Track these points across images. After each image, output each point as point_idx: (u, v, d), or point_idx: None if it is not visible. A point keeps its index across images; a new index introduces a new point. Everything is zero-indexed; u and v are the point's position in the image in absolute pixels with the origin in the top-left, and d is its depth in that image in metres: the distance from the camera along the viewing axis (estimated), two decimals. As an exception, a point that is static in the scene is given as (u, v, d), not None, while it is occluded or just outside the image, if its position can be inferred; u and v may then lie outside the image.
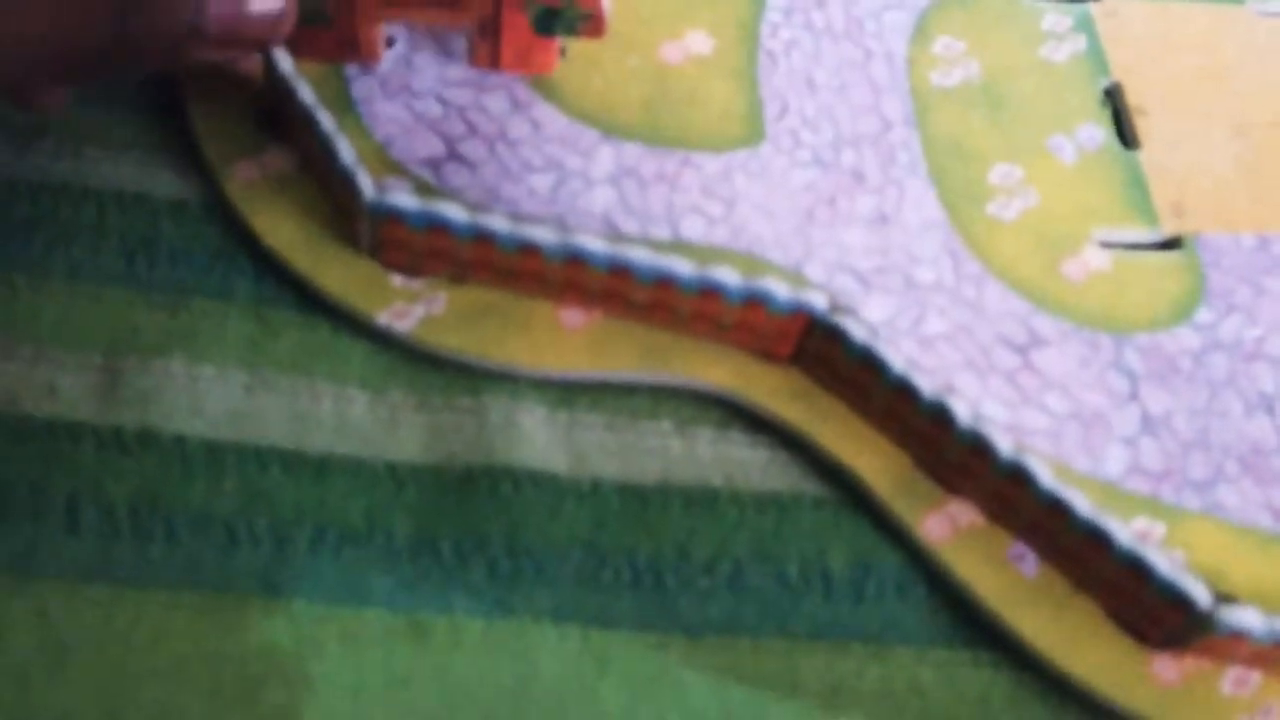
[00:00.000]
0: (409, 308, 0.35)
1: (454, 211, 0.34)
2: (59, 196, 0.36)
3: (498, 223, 0.34)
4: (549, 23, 0.38)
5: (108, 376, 0.34)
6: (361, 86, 0.38)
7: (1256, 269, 0.40)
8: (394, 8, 0.37)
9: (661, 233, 0.37)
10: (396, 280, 0.36)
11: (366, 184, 0.34)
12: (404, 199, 0.34)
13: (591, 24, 0.37)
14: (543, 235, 0.34)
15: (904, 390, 0.33)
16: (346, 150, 0.34)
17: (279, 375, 0.34)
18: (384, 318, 0.35)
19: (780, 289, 0.34)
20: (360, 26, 0.37)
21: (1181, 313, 0.39)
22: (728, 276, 0.34)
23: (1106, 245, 0.40)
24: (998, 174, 0.40)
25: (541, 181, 0.38)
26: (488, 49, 0.39)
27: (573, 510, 0.34)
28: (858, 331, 0.33)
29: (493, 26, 0.38)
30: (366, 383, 0.35)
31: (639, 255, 0.34)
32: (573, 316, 0.36)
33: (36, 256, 0.35)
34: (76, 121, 0.38)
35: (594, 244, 0.34)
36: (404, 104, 0.38)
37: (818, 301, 0.34)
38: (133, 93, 0.39)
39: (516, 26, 0.38)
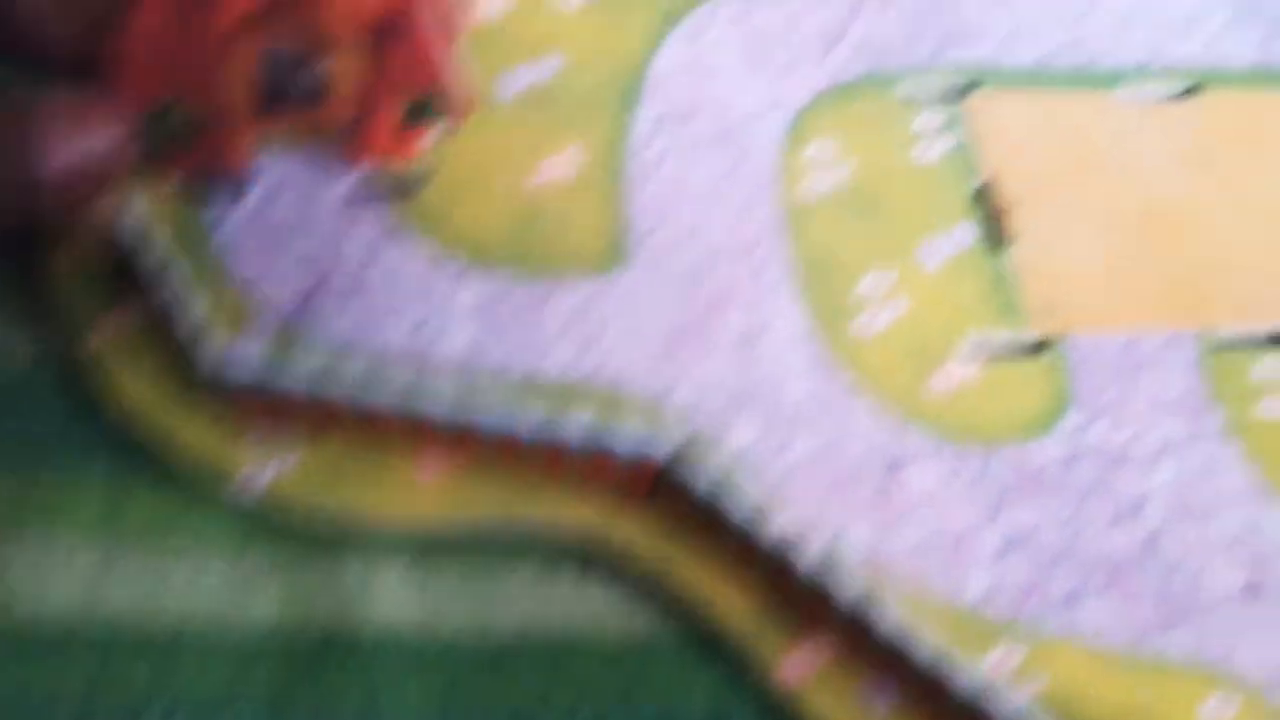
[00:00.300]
0: (262, 468, 0.35)
1: (296, 369, 0.34)
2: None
3: (344, 379, 0.34)
4: (417, 114, 0.38)
5: (-52, 568, 0.34)
6: (220, 222, 0.38)
7: (1125, 367, 0.40)
8: (266, 118, 0.37)
9: (524, 367, 0.37)
10: (251, 440, 0.36)
11: (212, 347, 0.34)
12: (245, 360, 0.34)
13: (457, 105, 0.38)
14: (389, 390, 0.34)
15: (750, 533, 0.33)
16: (196, 310, 0.34)
17: (132, 548, 0.34)
18: (238, 481, 0.35)
19: (623, 439, 0.34)
20: (229, 139, 0.38)
21: (1049, 419, 0.39)
22: (571, 425, 0.34)
23: (976, 352, 0.40)
24: (868, 283, 0.41)
25: (406, 317, 0.38)
26: (357, 144, 0.39)
27: (426, 672, 0.34)
28: (703, 477, 0.34)
29: (363, 123, 0.38)
30: (223, 550, 0.35)
31: (483, 408, 0.34)
32: (429, 467, 0.36)
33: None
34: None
35: (439, 398, 0.34)
36: (264, 238, 0.38)
37: (662, 448, 0.34)
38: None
39: (388, 121, 0.38)
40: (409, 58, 0.36)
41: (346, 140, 0.39)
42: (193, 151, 0.37)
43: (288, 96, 0.37)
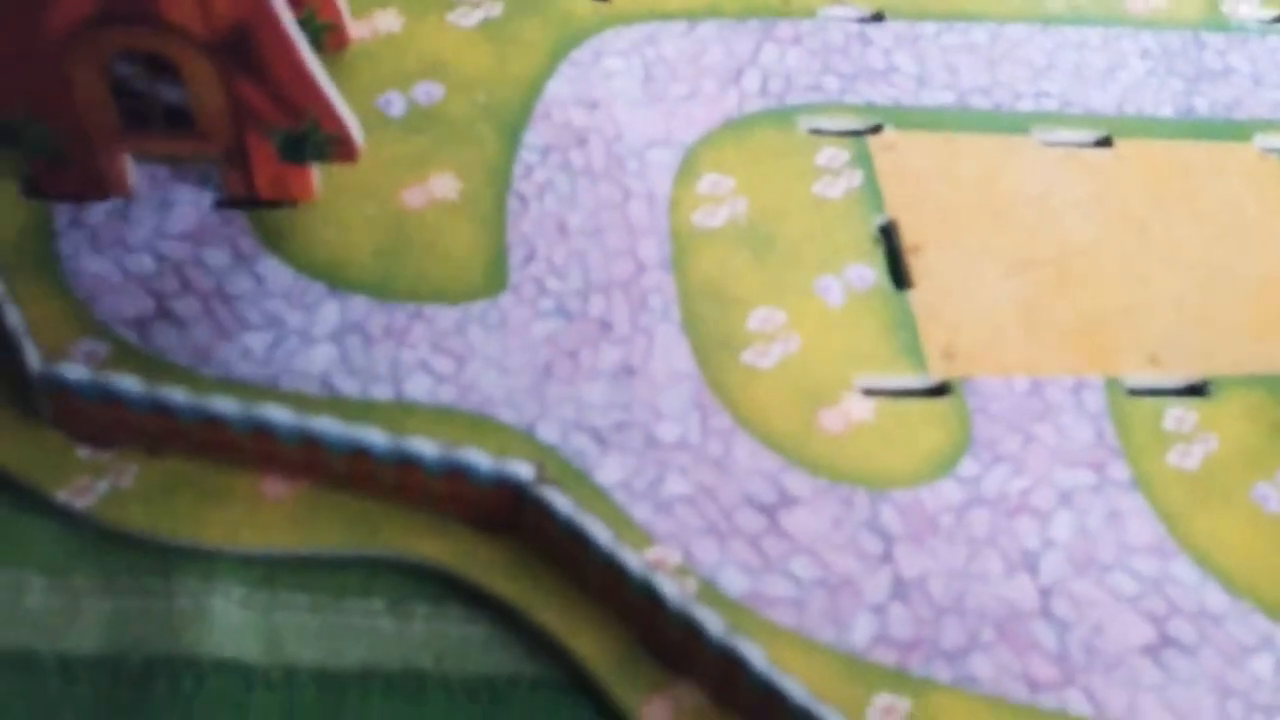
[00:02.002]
0: (93, 482, 0.33)
1: (128, 384, 0.31)
2: None
3: (175, 394, 0.31)
4: (296, 149, 0.36)
5: None
6: (69, 242, 0.36)
7: (1027, 415, 0.38)
8: (134, 140, 0.35)
9: (384, 392, 0.35)
10: (83, 453, 0.33)
11: (33, 354, 0.31)
12: (73, 370, 0.31)
13: (342, 148, 0.36)
14: (224, 406, 0.31)
15: (613, 567, 0.31)
16: (15, 315, 0.32)
17: (-55, 559, 0.32)
18: (65, 494, 0.33)
19: (481, 460, 0.32)
20: (101, 159, 0.35)
21: (945, 465, 0.37)
22: (424, 448, 0.32)
23: (870, 393, 0.38)
24: (758, 319, 0.39)
25: (258, 340, 0.35)
26: (239, 178, 0.37)
27: (263, 702, 0.31)
28: (563, 506, 0.31)
29: (239, 154, 0.36)
30: (46, 567, 0.32)
31: (328, 426, 0.31)
32: (275, 487, 0.33)
33: None
34: None
35: (279, 414, 0.32)
36: (114, 259, 0.36)
37: (522, 473, 0.32)
38: None
39: (265, 154, 0.36)
40: (277, 83, 0.34)
41: (224, 176, 0.37)
42: (67, 172, 0.36)
43: (149, 118, 0.35)
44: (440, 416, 0.35)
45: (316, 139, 0.35)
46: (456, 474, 0.32)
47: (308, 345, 0.36)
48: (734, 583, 0.33)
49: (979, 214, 0.42)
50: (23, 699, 0.30)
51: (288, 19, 0.33)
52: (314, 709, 0.31)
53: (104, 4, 0.31)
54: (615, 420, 0.36)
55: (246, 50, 0.33)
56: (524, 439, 0.35)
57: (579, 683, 0.32)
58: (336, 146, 0.36)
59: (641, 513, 0.34)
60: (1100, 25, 0.47)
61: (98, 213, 0.37)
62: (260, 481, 0.33)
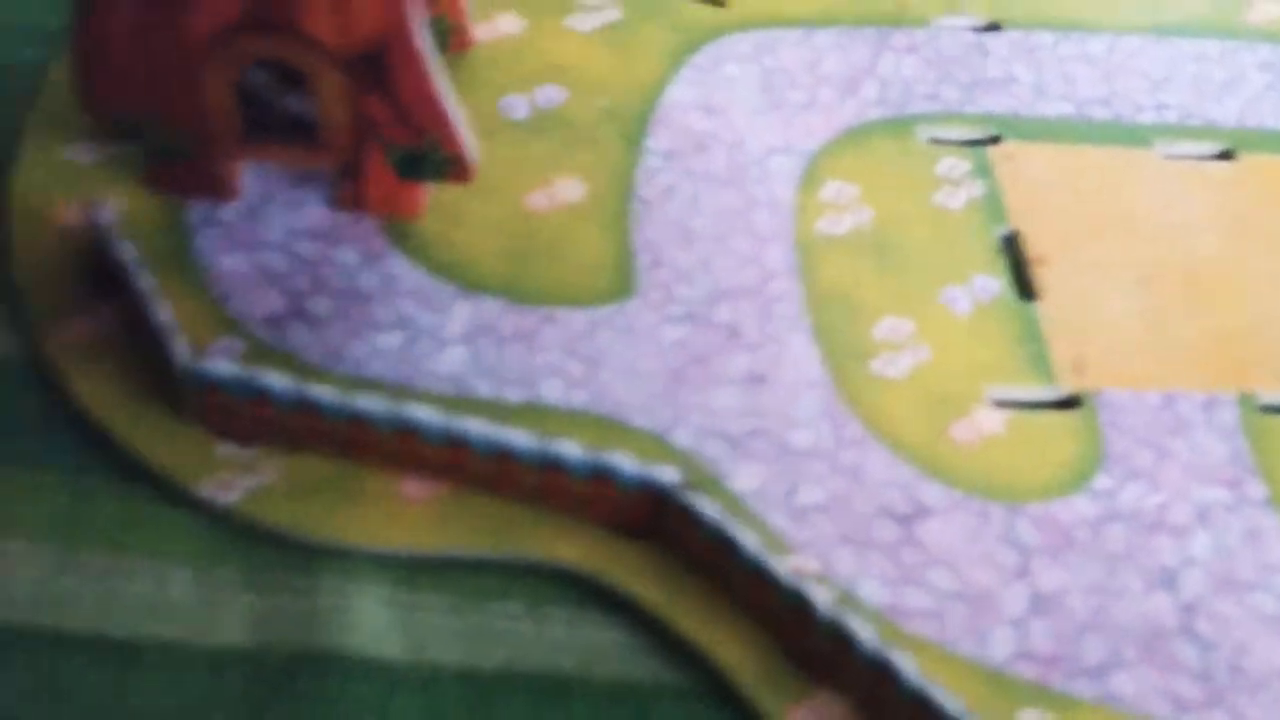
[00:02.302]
0: (235, 478, 0.33)
1: (275, 380, 0.31)
2: None
3: (323, 392, 0.31)
4: (413, 167, 0.36)
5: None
6: (205, 238, 0.36)
7: (1160, 429, 0.37)
8: (254, 147, 0.35)
9: (517, 395, 0.35)
10: (224, 449, 0.33)
11: (182, 349, 0.31)
12: (221, 366, 0.31)
13: (457, 169, 0.36)
14: (371, 405, 0.31)
15: (760, 574, 0.31)
16: (165, 312, 0.32)
17: (93, 551, 0.32)
18: (207, 489, 0.32)
19: (627, 464, 0.31)
20: (219, 164, 0.35)
21: (1078, 479, 0.36)
22: (571, 450, 0.31)
23: (1001, 404, 0.37)
24: (885, 328, 0.38)
25: (390, 340, 0.35)
26: (352, 191, 0.37)
27: (406, 703, 0.31)
28: (710, 512, 0.31)
29: (356, 169, 0.36)
30: (189, 560, 0.32)
31: (474, 427, 0.31)
32: (415, 488, 0.33)
33: None
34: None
35: (426, 414, 0.31)
36: (248, 257, 0.36)
37: (668, 477, 0.31)
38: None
39: (381, 169, 0.36)
40: (403, 102, 0.34)
41: (340, 187, 0.37)
42: (182, 172, 0.36)
43: (272, 127, 0.35)
44: (574, 420, 0.35)
45: (435, 159, 0.35)
46: (601, 477, 0.31)
47: (440, 346, 0.35)
48: (873, 593, 0.33)
49: (1102, 226, 0.42)
50: (172, 692, 0.30)
51: (421, 40, 0.33)
52: (457, 710, 0.31)
53: (247, 12, 0.31)
54: (748, 427, 0.35)
55: (378, 67, 0.33)
56: (658, 444, 0.35)
57: (721, 691, 0.32)
58: (453, 167, 0.36)
59: (778, 520, 0.34)
60: (1218, 37, 0.47)
61: (231, 211, 0.37)
62: (399, 481, 0.33)
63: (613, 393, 0.35)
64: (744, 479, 0.34)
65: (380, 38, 0.32)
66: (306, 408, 0.32)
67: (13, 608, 0.31)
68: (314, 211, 0.37)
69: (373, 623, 0.32)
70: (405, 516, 0.33)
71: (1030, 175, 0.42)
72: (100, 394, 0.34)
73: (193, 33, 0.31)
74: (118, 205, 0.34)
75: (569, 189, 0.39)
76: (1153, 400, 0.38)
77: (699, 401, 0.36)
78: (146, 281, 0.32)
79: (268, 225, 0.37)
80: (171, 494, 0.33)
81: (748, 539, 0.31)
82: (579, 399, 0.35)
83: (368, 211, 0.37)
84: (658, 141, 0.41)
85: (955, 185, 0.42)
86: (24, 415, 0.34)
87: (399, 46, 0.32)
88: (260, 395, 0.31)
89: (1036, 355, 0.38)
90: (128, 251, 0.32)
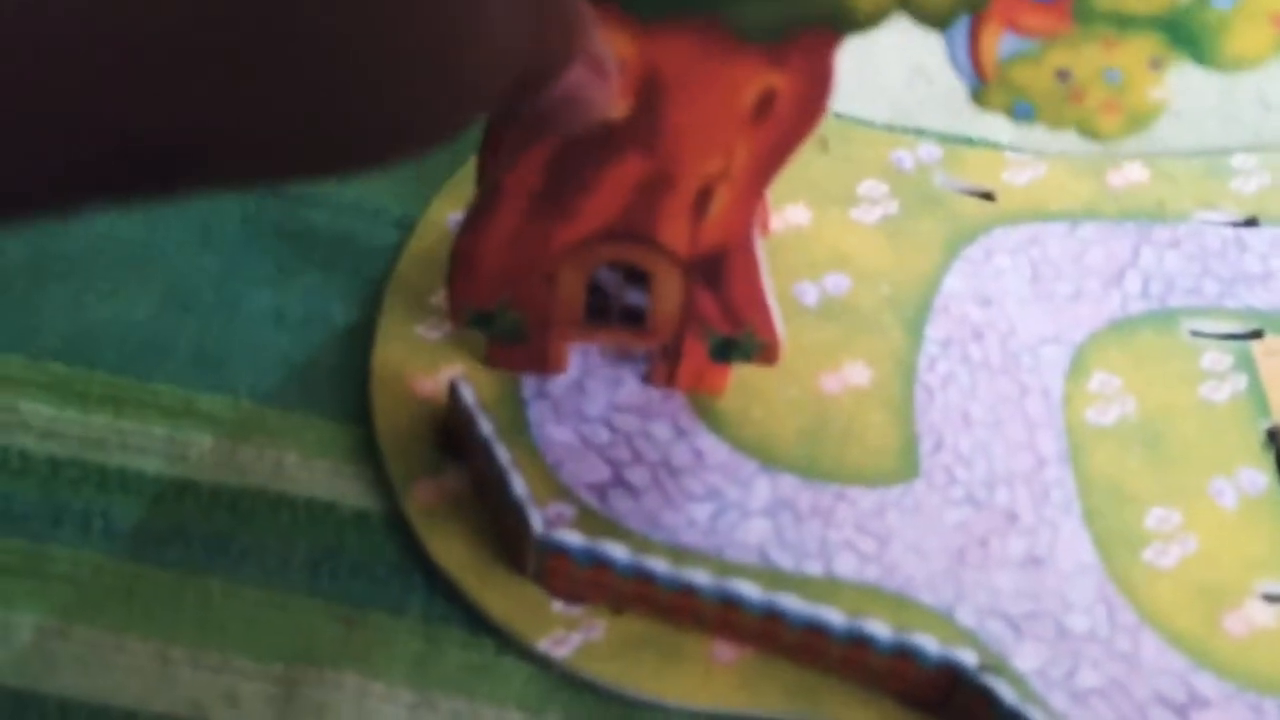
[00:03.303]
0: (568, 635, 0.37)
1: (617, 551, 0.35)
2: (257, 501, 0.39)
3: (657, 564, 0.35)
4: (726, 351, 0.40)
5: (285, 688, 0.36)
6: (537, 410, 0.41)
7: None
8: (587, 331, 0.40)
9: (815, 568, 0.38)
10: (558, 606, 0.37)
11: (536, 519, 0.36)
12: (570, 537, 0.35)
13: (767, 352, 0.39)
14: (700, 578, 0.35)
15: (1055, 758, 0.33)
16: (519, 484, 0.36)
17: (443, 695, 0.36)
18: (544, 643, 0.37)
19: (930, 645, 0.34)
20: (552, 344, 0.40)
21: (1351, 677, 0.38)
22: (879, 630, 0.34)
23: (1271, 599, 0.39)
24: (1155, 518, 0.40)
25: (701, 511, 0.39)
26: (666, 370, 0.41)
27: None
28: (1007, 694, 0.34)
29: (674, 351, 0.40)
30: (524, 706, 0.36)
31: (791, 603, 0.35)
32: (725, 652, 0.37)
33: (232, 562, 0.38)
34: (279, 420, 0.41)
35: (749, 589, 0.35)
36: (574, 428, 0.41)
37: (967, 659, 0.34)
38: (329, 397, 0.42)
39: (695, 351, 0.40)
40: (732, 299, 0.38)
41: (653, 364, 0.41)
42: (517, 351, 0.40)
43: (610, 315, 0.40)
44: (866, 594, 0.38)
45: (747, 344, 0.39)
46: (904, 656, 0.34)
47: (745, 518, 0.39)
48: (1152, 779, 0.35)
49: (1367, 424, 0.43)
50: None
51: (756, 244, 0.37)
52: None
53: (612, 226, 0.36)
54: (1026, 609, 0.38)
55: (716, 268, 0.37)
56: (943, 622, 0.37)
57: None
58: (762, 350, 0.39)
59: (1058, 701, 0.36)
60: None
61: (558, 385, 0.42)
62: (711, 644, 0.37)
63: (902, 570, 0.39)
64: (1025, 659, 0.37)
65: (725, 245, 0.36)
66: (641, 576, 0.36)
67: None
68: (631, 388, 0.42)
69: (685, 774, 0.35)
70: (715, 677, 0.37)
71: (1292, 371, 0.44)
72: (451, 551, 0.38)
73: (562, 241, 0.36)
74: (475, 383, 0.39)
75: (856, 373, 0.43)
76: None
77: (981, 581, 0.38)
78: (503, 454, 0.37)
79: (591, 399, 0.41)
80: (511, 646, 0.37)
81: (1043, 724, 0.33)
82: (871, 574, 0.38)
83: (679, 388, 0.41)
84: (936, 330, 0.44)
85: (1220, 379, 0.44)
86: (385, 566, 0.38)
87: (739, 253, 0.36)
88: (602, 564, 0.36)
89: (1304, 551, 0.40)
90: (487, 426, 0.37)
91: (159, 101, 0.18)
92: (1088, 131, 0.30)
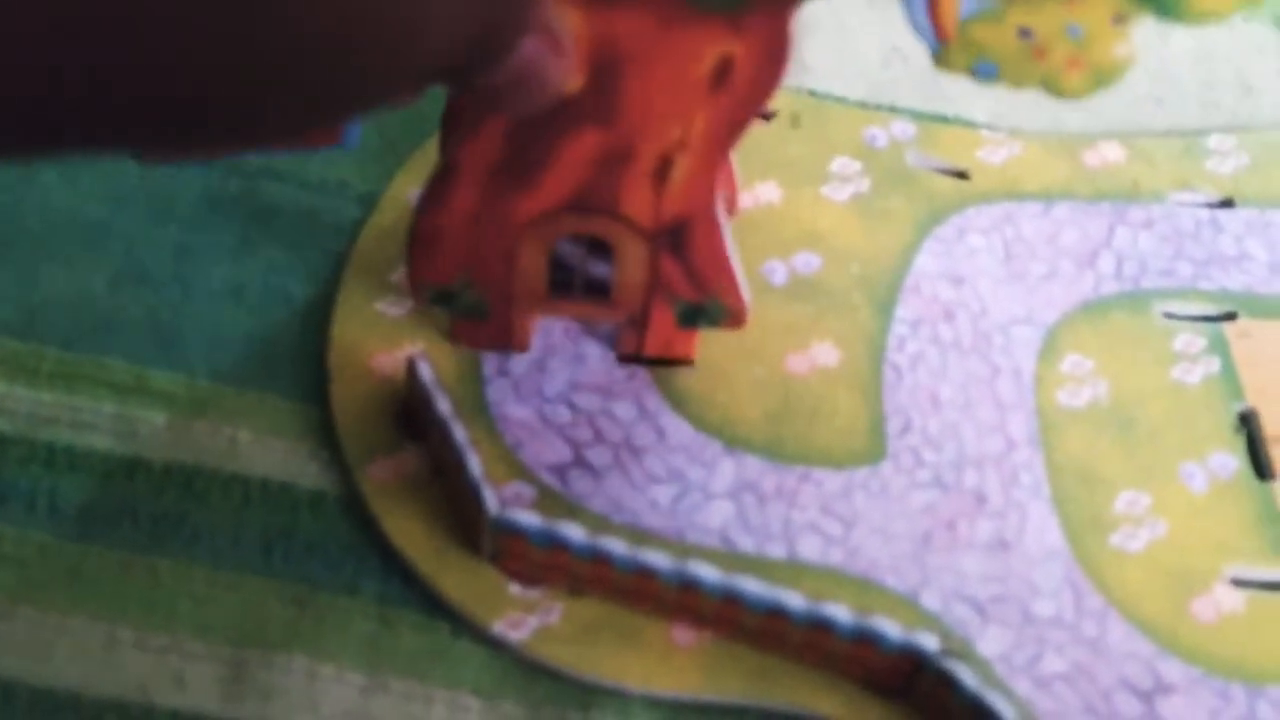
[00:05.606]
0: (524, 618, 0.36)
1: (573, 532, 0.35)
2: (210, 480, 0.39)
3: (615, 545, 0.35)
4: (693, 317, 0.39)
5: (233, 669, 0.35)
6: (496, 390, 0.40)
7: (1402, 617, 0.38)
8: (552, 305, 0.39)
9: (777, 551, 0.38)
10: (514, 589, 0.37)
11: (491, 500, 0.35)
12: (526, 518, 0.35)
13: (733, 317, 0.39)
14: (658, 560, 0.34)
15: (1017, 745, 0.33)
16: (475, 464, 0.36)
17: (396, 677, 0.35)
18: (499, 626, 0.36)
19: (892, 629, 0.34)
20: (516, 319, 0.39)
21: (1321, 664, 0.37)
22: (839, 614, 0.34)
23: (1239, 584, 0.39)
24: (1124, 501, 0.40)
25: (663, 493, 0.39)
26: (634, 338, 0.40)
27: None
28: (969, 680, 0.33)
29: (641, 319, 0.39)
30: (479, 690, 0.35)
31: (751, 586, 0.34)
32: (684, 635, 0.36)
33: (182, 543, 0.37)
34: (234, 398, 0.40)
35: (707, 572, 0.34)
36: (535, 408, 0.40)
37: (928, 644, 0.34)
38: (286, 374, 0.41)
39: (663, 318, 0.39)
40: (696, 265, 0.37)
41: (621, 333, 0.40)
42: (481, 327, 0.40)
43: (573, 288, 0.39)
44: (829, 578, 0.37)
45: (714, 309, 0.39)
46: (865, 641, 0.34)
47: (708, 500, 0.39)
48: (1117, 767, 0.34)
49: (1341, 407, 0.43)
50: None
51: (718, 210, 0.36)
52: None
53: (573, 199, 0.35)
54: (993, 593, 0.37)
55: (680, 237, 0.36)
56: (908, 605, 0.37)
57: None
58: (728, 315, 0.39)
59: (1022, 687, 0.36)
60: None
61: (519, 363, 0.41)
62: (670, 628, 0.36)
63: (866, 553, 0.38)
64: (990, 644, 0.36)
65: (688, 215, 0.35)
66: (599, 558, 0.35)
67: (327, 721, 0.35)
68: (594, 367, 0.41)
69: (643, 760, 0.34)
70: (674, 661, 0.36)
71: (1267, 353, 0.44)
72: (407, 532, 0.37)
73: (522, 215, 0.35)
74: (433, 362, 0.38)
75: (824, 353, 0.42)
76: (1395, 588, 0.39)
77: (946, 564, 0.38)
78: (460, 434, 0.36)
79: (552, 378, 0.41)
80: (467, 628, 0.36)
81: (1005, 710, 0.33)
82: (835, 557, 0.38)
83: (647, 354, 0.40)
84: (906, 309, 0.43)
85: (1192, 361, 0.43)
86: (339, 546, 0.38)
87: (701, 220, 0.36)
88: (559, 545, 0.35)
89: (1275, 535, 0.39)
90: (445, 405, 0.36)
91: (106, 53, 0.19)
92: (1052, 90, 0.30)
